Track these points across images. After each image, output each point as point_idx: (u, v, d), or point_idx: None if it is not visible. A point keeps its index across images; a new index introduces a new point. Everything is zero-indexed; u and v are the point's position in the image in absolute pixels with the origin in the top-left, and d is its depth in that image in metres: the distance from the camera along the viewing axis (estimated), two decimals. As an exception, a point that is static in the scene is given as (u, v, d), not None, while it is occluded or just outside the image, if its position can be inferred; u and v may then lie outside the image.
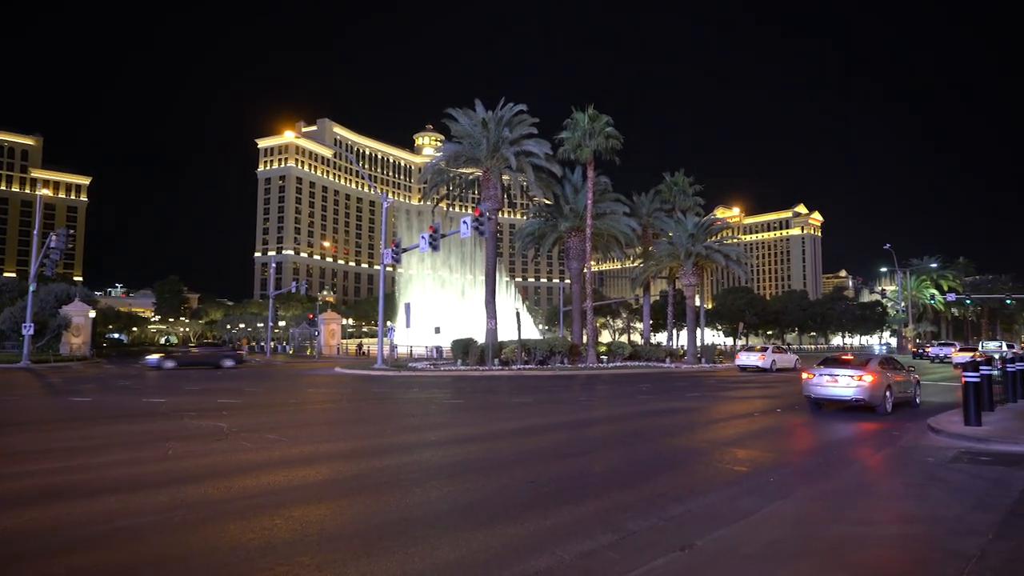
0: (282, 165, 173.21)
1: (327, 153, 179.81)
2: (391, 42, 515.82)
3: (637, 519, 6.05)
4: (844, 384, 14.77)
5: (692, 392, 21.70)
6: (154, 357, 34.71)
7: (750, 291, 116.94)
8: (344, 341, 71.36)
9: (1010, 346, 53.95)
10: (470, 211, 35.44)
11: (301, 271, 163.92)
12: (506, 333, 39.14)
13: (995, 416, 13.29)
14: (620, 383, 25.76)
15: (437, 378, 28.28)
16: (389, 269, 42.25)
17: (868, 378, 14.58)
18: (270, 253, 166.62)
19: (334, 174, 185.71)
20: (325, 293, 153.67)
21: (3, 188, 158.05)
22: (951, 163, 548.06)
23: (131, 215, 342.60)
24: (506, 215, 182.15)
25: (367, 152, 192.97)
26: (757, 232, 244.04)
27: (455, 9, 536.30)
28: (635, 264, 53.19)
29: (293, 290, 76.26)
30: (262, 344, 74.25)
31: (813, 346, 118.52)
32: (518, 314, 36.11)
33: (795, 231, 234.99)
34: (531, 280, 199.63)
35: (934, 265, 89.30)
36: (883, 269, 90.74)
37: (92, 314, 46.39)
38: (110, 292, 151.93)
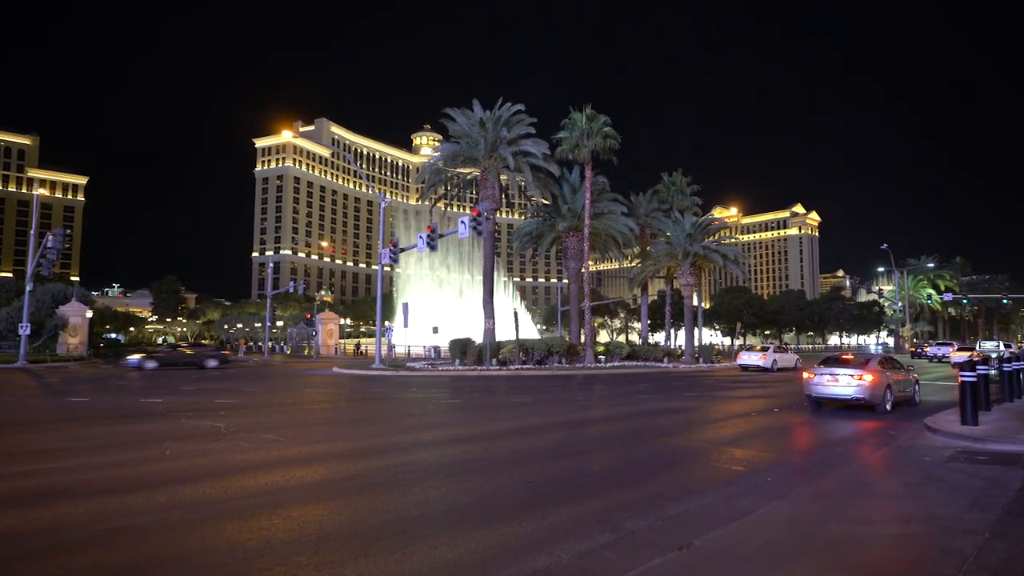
0: (280, 165, 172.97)
1: (325, 153, 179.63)
2: (391, 42, 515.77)
3: (635, 519, 6.06)
4: (845, 383, 14.90)
5: (690, 392, 21.72)
6: (135, 357, 34.13)
7: (748, 291, 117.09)
8: (342, 341, 71.29)
9: (1007, 345, 54.09)
10: (468, 211, 35.44)
11: (299, 271, 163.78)
12: (504, 333, 39.15)
13: (992, 415, 13.33)
14: (618, 383, 25.78)
15: (435, 378, 28.27)
16: (387, 269, 42.24)
17: (868, 377, 14.71)
18: (268, 253, 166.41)
19: (332, 174, 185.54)
20: (323, 293, 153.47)
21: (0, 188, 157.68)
22: (951, 163, 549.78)
23: (128, 215, 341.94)
24: (504, 215, 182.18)
25: (365, 152, 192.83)
26: (755, 232, 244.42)
27: (455, 9, 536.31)
28: (633, 264, 53.26)
29: (291, 290, 76.08)
30: (260, 344, 74.15)
31: (811, 346, 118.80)
32: (516, 314, 36.11)
33: (792, 231, 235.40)
34: (529, 280, 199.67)
35: (931, 265, 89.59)
36: (880, 269, 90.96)
37: (89, 314, 46.27)
38: (107, 292, 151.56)
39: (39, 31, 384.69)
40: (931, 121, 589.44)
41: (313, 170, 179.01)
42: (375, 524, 5.85)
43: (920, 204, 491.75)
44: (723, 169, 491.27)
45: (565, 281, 47.30)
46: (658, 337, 69.46)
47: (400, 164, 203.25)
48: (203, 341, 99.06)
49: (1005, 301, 74.78)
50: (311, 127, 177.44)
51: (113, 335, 79.99)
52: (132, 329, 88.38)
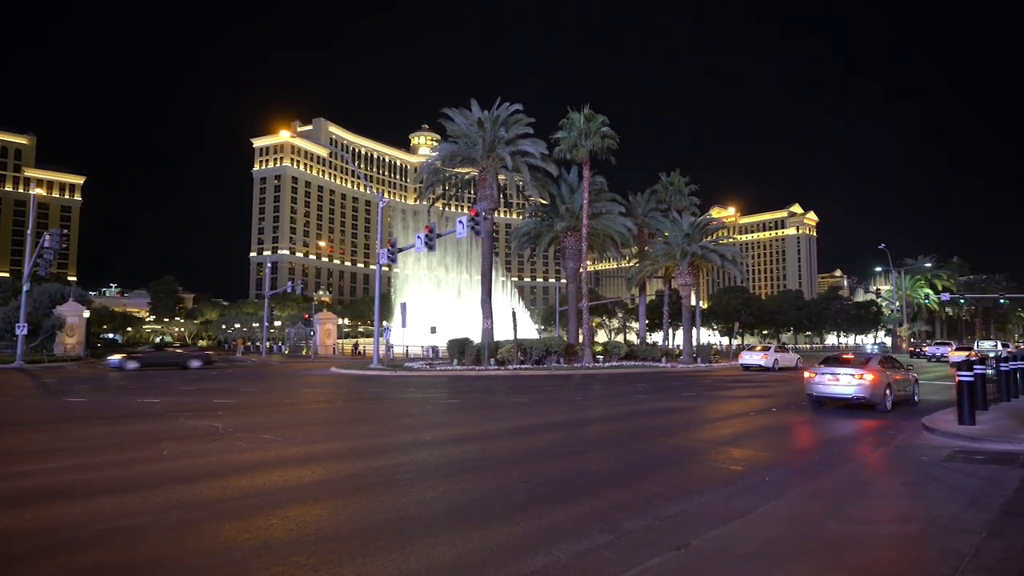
0: (278, 164, 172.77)
1: (323, 152, 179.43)
2: (391, 42, 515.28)
3: (633, 519, 6.06)
4: (845, 383, 15.04)
5: (688, 392, 21.74)
6: (115, 358, 33.59)
7: (746, 291, 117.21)
8: (340, 341, 71.23)
9: (1005, 345, 54.28)
10: (466, 211, 35.43)
11: (297, 271, 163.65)
12: (503, 333, 39.15)
13: (989, 415, 13.37)
14: (616, 383, 25.79)
15: (433, 378, 28.26)
16: (385, 269, 42.22)
17: (869, 377, 14.85)
18: (266, 253, 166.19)
19: (330, 173, 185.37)
20: (321, 293, 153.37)
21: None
22: (951, 163, 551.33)
23: (126, 215, 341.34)
24: (502, 215, 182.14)
25: (363, 152, 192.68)
26: (752, 232, 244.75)
27: (455, 9, 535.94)
28: (631, 264, 53.30)
29: (289, 290, 76.03)
30: (257, 344, 74.05)
31: (808, 345, 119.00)
32: (514, 313, 36.11)
33: (790, 231, 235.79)
34: (527, 280, 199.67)
35: (928, 265, 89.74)
36: (878, 269, 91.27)
37: (86, 314, 46.17)
38: (104, 292, 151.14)
39: (38, 31, 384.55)
40: (931, 121, 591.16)
41: (311, 170, 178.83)
42: (373, 524, 5.85)
43: (920, 204, 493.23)
44: (722, 169, 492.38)
45: (563, 281, 47.34)
46: (656, 337, 69.50)
47: (398, 164, 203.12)
48: (200, 341, 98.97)
49: (1002, 301, 74.98)
50: (309, 127, 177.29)
51: (110, 335, 79.81)
52: (130, 329, 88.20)
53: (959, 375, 12.04)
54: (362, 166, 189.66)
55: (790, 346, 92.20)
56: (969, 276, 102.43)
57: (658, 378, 29.33)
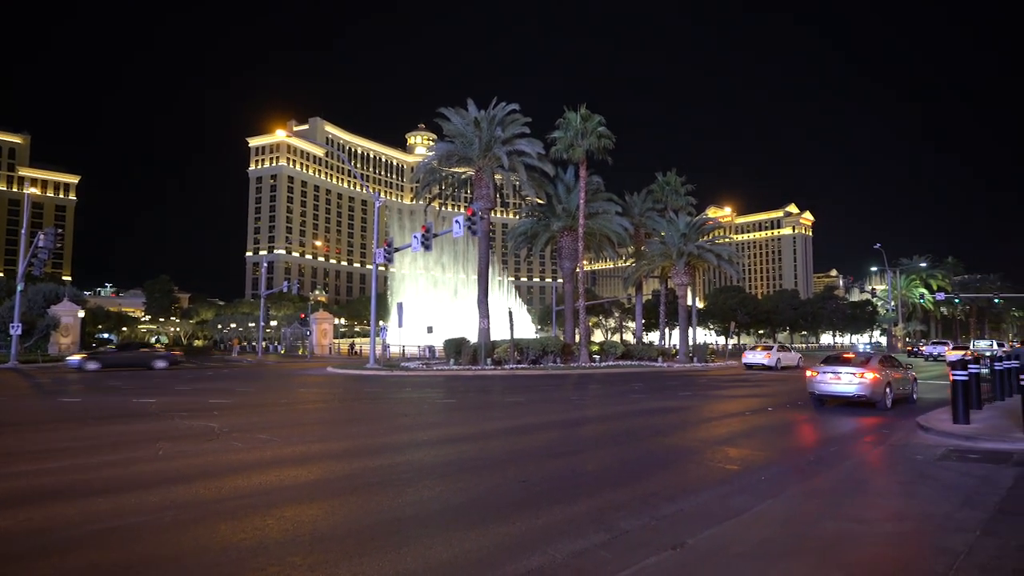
0: (274, 164, 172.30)
1: (319, 152, 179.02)
2: (390, 42, 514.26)
3: (629, 518, 6.07)
4: (847, 381, 15.33)
5: (684, 391, 21.78)
6: (75, 358, 32.16)
7: (742, 290, 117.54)
8: (336, 341, 71.14)
9: (1000, 344, 54.62)
10: (463, 210, 35.42)
11: (293, 271, 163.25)
12: (500, 332, 39.15)
13: (983, 414, 13.43)
14: (612, 382, 25.82)
15: (430, 378, 28.24)
16: (381, 268, 42.13)
17: (870, 375, 15.14)
18: (261, 252, 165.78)
19: (326, 173, 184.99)
20: (317, 293, 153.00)
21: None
22: (951, 163, 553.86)
23: (122, 214, 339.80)
24: (499, 214, 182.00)
25: (359, 151, 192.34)
26: (749, 232, 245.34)
27: (455, 9, 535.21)
28: (627, 263, 53.34)
29: (285, 290, 75.85)
30: (254, 344, 73.88)
31: (804, 345, 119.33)
32: (511, 313, 36.08)
33: (786, 231, 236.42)
34: (524, 280, 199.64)
35: (923, 265, 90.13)
36: (873, 268, 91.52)
37: (81, 314, 46.02)
38: (99, 292, 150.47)
39: (36, 31, 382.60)
40: (931, 121, 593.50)
41: (307, 169, 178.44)
42: (370, 524, 5.84)
43: (920, 204, 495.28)
44: (721, 169, 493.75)
45: (560, 281, 47.38)
46: (653, 336, 69.64)
47: (395, 163, 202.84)
48: (196, 341, 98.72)
49: (996, 300, 75.42)
50: (305, 126, 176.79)
51: (105, 335, 79.55)
52: (125, 329, 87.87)
53: (954, 374, 12.09)
54: (359, 166, 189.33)
55: (786, 345, 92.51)
56: (964, 276, 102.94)
57: (654, 378, 29.38)
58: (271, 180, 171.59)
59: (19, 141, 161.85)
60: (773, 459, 9.40)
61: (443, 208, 43.83)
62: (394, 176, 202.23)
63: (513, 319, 35.70)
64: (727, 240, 58.68)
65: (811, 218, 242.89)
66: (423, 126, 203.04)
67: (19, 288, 38.02)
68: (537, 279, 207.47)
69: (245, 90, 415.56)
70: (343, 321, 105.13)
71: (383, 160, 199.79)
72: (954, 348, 47.98)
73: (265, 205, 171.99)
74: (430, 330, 44.44)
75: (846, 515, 6.35)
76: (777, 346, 38.94)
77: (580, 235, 39.46)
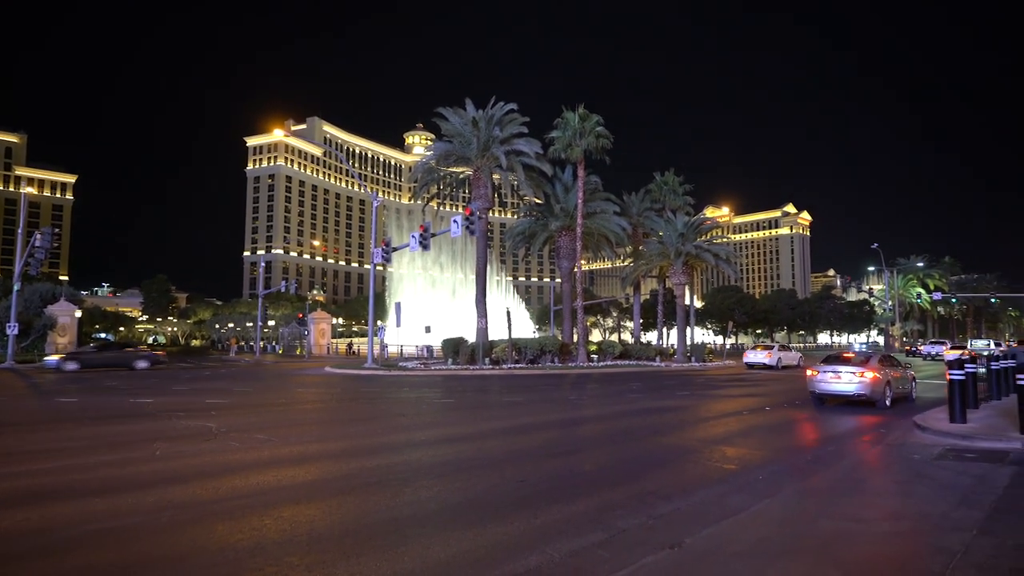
0: (271, 164, 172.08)
1: (317, 152, 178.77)
2: (390, 42, 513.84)
3: (627, 517, 6.08)
4: (847, 380, 15.50)
5: (682, 391, 21.80)
6: (53, 358, 31.62)
7: (739, 290, 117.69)
8: (334, 340, 71.05)
9: (997, 344, 54.80)
10: (460, 210, 35.39)
11: (291, 270, 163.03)
12: (498, 332, 39.15)
13: (980, 413, 13.47)
14: (610, 382, 25.83)
15: (427, 377, 28.23)
16: (379, 268, 42.11)
17: (869, 375, 15.31)
18: (259, 252, 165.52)
19: (324, 173, 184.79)
20: (315, 292, 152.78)
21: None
22: (950, 163, 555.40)
23: (119, 214, 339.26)
24: (497, 214, 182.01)
25: (357, 151, 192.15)
26: (746, 231, 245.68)
27: (455, 9, 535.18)
28: (625, 263, 53.35)
29: (283, 289, 75.76)
30: (251, 344, 73.76)
31: (802, 344, 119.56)
32: (508, 312, 36.08)
33: (784, 230, 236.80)
34: (522, 279, 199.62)
35: (920, 264, 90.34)
36: (871, 268, 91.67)
37: (78, 314, 45.89)
38: (96, 292, 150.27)
39: (33, 30, 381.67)
40: (931, 121, 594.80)
41: (305, 169, 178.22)
42: (367, 524, 5.84)
43: (920, 204, 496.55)
44: (720, 169, 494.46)
45: (558, 280, 47.41)
46: (650, 336, 69.63)
47: (393, 163, 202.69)
48: (194, 341, 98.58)
49: (993, 300, 75.60)
50: (303, 126, 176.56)
51: (103, 335, 79.40)
52: (122, 329, 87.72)
53: (950, 374, 12.13)
54: (357, 165, 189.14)
55: (789, 345, 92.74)
56: (961, 276, 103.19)
57: (652, 377, 29.40)
58: (269, 180, 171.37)
59: (16, 140, 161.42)
60: (770, 458, 9.41)
61: (441, 208, 43.74)
62: (392, 176, 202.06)
63: (511, 319, 35.70)
64: (725, 240, 58.83)
65: (808, 218, 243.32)
66: (421, 126, 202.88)
67: (16, 288, 37.91)
68: (535, 279, 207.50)
69: (244, 90, 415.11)
70: (341, 321, 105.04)
71: (381, 160, 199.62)
72: (952, 348, 48.19)
73: (263, 205, 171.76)
74: (428, 330, 44.41)
75: (843, 514, 6.36)
76: (778, 346, 39.35)
77: (578, 235, 39.47)
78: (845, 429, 12.72)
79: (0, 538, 5.36)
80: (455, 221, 30.98)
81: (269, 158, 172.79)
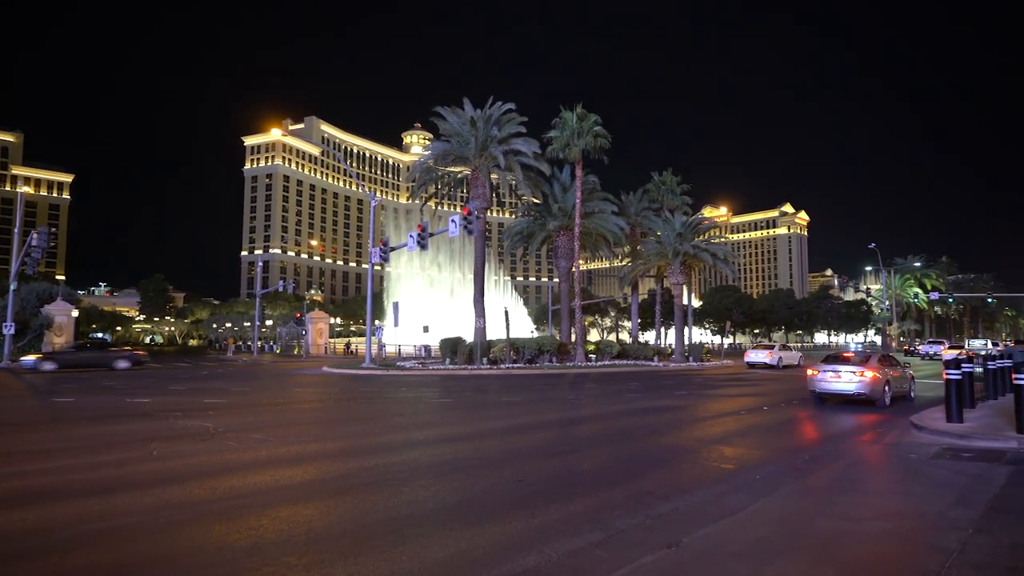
0: (269, 163, 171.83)
1: (314, 151, 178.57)
2: (390, 42, 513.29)
3: (624, 517, 6.08)
4: (847, 379, 15.67)
5: (680, 390, 21.82)
6: (30, 358, 30.76)
7: (737, 290, 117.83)
8: (332, 340, 70.97)
9: (995, 344, 54.97)
10: (459, 210, 35.36)
11: (288, 270, 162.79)
12: (496, 332, 39.15)
13: (977, 413, 13.50)
14: (608, 381, 25.85)
15: (425, 377, 28.22)
16: (377, 268, 42.07)
17: (869, 374, 15.50)
18: (257, 252, 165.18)
19: (322, 172, 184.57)
20: (313, 292, 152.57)
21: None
22: (950, 163, 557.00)
23: (117, 214, 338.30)
24: (495, 214, 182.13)
25: (355, 150, 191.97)
26: (744, 231, 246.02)
27: (455, 9, 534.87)
28: (623, 263, 53.37)
29: (280, 289, 75.66)
30: (249, 343, 73.65)
31: (799, 344, 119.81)
32: (506, 312, 36.08)
33: (782, 230, 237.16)
34: (520, 279, 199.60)
35: (918, 264, 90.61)
36: (868, 268, 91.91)
37: (75, 313, 45.80)
38: (93, 291, 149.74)
39: (34, 30, 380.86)
40: (931, 121, 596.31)
41: (303, 168, 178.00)
42: (365, 524, 5.83)
43: (920, 204, 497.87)
44: (720, 169, 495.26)
45: (556, 280, 47.45)
46: (648, 336, 69.66)
47: (391, 163, 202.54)
48: (191, 341, 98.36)
49: (990, 300, 75.80)
50: (300, 125, 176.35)
51: (100, 334, 79.19)
52: (119, 328, 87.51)
53: (947, 374, 12.16)
54: (354, 165, 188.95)
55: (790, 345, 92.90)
56: (958, 275, 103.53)
57: (650, 377, 29.43)
58: (266, 179, 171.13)
59: (12, 139, 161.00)
60: (768, 458, 9.43)
61: (439, 207, 43.71)
62: (390, 175, 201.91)
63: (509, 318, 35.70)
64: (723, 240, 58.90)
65: (806, 218, 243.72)
66: (419, 125, 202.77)
67: (12, 287, 37.80)
68: (533, 278, 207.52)
69: (244, 90, 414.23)
70: (339, 320, 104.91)
71: (379, 159, 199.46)
72: (950, 347, 48.42)
73: (260, 204, 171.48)
74: (426, 329, 44.40)
75: (840, 514, 6.37)
76: (779, 345, 39.70)
77: (576, 234, 39.48)
78: (843, 428, 12.74)
79: (-3, 538, 5.34)
80: (453, 221, 30.96)
81: (267, 157, 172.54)
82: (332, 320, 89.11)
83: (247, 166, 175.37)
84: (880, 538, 5.71)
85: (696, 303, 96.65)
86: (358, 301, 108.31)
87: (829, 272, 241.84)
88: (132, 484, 7.31)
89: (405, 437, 11.49)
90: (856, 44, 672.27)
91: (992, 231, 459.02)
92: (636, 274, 49.50)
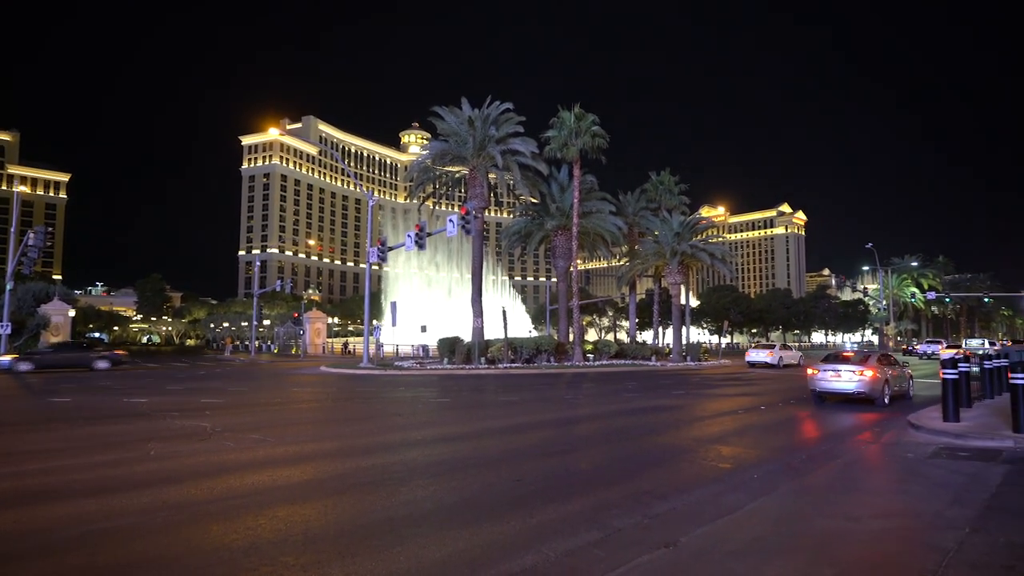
0: (267, 163, 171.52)
1: (312, 151, 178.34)
2: (390, 42, 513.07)
3: (622, 517, 6.08)
4: (847, 379, 15.81)
5: (677, 390, 21.85)
6: (6, 359, 30.14)
7: (735, 289, 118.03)
8: (330, 340, 70.92)
9: (992, 343, 55.20)
10: (456, 209, 35.35)
11: (286, 269, 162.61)
12: (494, 331, 39.14)
13: (973, 412, 13.54)
14: (606, 381, 25.86)
15: (423, 377, 28.20)
16: (375, 267, 42.06)
17: (869, 373, 15.64)
18: (254, 251, 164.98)
19: (319, 172, 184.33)
20: (310, 292, 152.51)
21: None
22: (950, 163, 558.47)
23: (114, 213, 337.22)
24: (493, 213, 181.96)
25: (353, 150, 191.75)
26: (742, 231, 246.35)
27: (455, 9, 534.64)
28: (621, 263, 53.44)
29: (278, 289, 75.45)
30: (246, 343, 73.54)
31: (797, 343, 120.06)
32: (504, 312, 36.08)
33: (779, 230, 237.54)
34: (518, 278, 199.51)
35: (915, 264, 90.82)
36: (865, 268, 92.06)
37: (71, 313, 45.68)
38: (90, 291, 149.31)
39: (34, 31, 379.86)
40: (930, 121, 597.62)
41: (300, 168, 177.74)
42: (363, 524, 5.83)
43: (920, 204, 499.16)
44: (720, 169, 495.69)
45: (554, 280, 47.43)
46: (646, 335, 69.76)
47: (389, 162, 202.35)
48: (188, 340, 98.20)
49: (987, 300, 75.96)
50: (298, 125, 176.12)
51: (96, 334, 79.03)
52: (116, 328, 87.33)
53: (944, 373, 12.20)
54: (352, 164, 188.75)
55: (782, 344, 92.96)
56: (954, 275, 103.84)
57: (648, 376, 29.45)
58: (264, 178, 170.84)
59: (8, 139, 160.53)
60: (765, 457, 9.44)
61: (437, 207, 43.70)
62: (388, 175, 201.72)
63: (507, 318, 35.71)
64: (720, 239, 59.01)
65: (804, 217, 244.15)
66: (417, 125, 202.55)
67: (8, 287, 37.68)
68: (531, 278, 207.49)
69: (243, 90, 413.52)
70: (337, 320, 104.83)
71: (377, 159, 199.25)
72: (948, 347, 48.74)
73: (258, 204, 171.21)
74: (424, 329, 44.38)
75: (838, 513, 6.38)
76: (780, 345, 39.99)
77: (574, 234, 39.50)
78: (841, 427, 12.77)
79: (-7, 539, 5.32)
80: (451, 220, 30.95)
81: (264, 157, 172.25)
82: (330, 320, 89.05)
83: (245, 166, 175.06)
84: (877, 537, 5.72)
85: (694, 303, 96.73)
86: (356, 301, 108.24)
87: (826, 272, 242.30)
88: (129, 484, 7.29)
89: (403, 437, 11.48)
90: (856, 44, 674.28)
91: (992, 231, 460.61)
92: (634, 274, 49.55)
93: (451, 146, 37.21)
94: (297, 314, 67.55)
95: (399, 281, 73.32)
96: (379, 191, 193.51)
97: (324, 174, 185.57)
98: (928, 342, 59.74)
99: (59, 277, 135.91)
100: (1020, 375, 10.28)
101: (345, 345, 69.10)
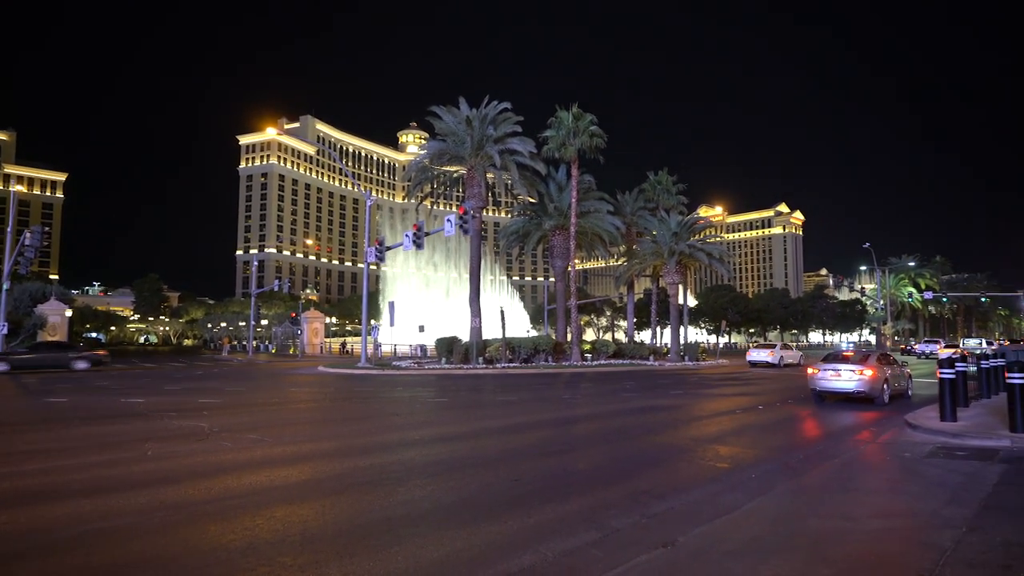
0: (264, 162, 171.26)
1: (310, 150, 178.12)
2: (389, 42, 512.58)
3: (620, 516, 6.09)
4: (847, 378, 15.92)
5: (675, 390, 21.86)
6: None
7: (733, 289, 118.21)
8: (327, 340, 70.85)
9: (989, 343, 55.44)
10: (454, 209, 35.35)
11: (284, 269, 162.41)
12: (493, 331, 39.15)
13: (971, 411, 13.58)
14: (604, 381, 25.87)
15: (421, 376, 28.19)
16: (373, 267, 42.03)
17: (868, 372, 15.75)
18: (252, 251, 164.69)
19: (317, 171, 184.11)
20: (308, 291, 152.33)
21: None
22: (950, 163, 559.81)
23: (112, 213, 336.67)
24: (491, 213, 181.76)
25: (351, 150, 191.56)
26: (740, 231, 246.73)
27: (455, 9, 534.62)
28: (619, 262, 53.48)
29: (275, 288, 75.42)
30: (244, 343, 73.44)
31: (795, 343, 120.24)
32: (502, 311, 36.08)
33: (777, 230, 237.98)
34: (516, 278, 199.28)
35: (912, 264, 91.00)
36: (863, 267, 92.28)
37: (68, 313, 45.58)
38: (87, 291, 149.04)
39: (34, 30, 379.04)
40: (931, 121, 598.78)
41: (298, 167, 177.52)
42: (361, 524, 5.82)
43: (920, 204, 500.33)
44: (719, 169, 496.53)
45: (552, 279, 47.43)
46: (644, 335, 69.73)
47: (387, 162, 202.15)
48: (186, 340, 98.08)
49: (983, 299, 76.17)
50: (296, 124, 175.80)
51: (94, 334, 78.87)
52: (113, 328, 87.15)
53: (941, 373, 12.23)
54: (350, 164, 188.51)
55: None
56: (951, 275, 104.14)
57: (646, 376, 29.47)
58: (262, 178, 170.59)
59: (4, 138, 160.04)
60: (763, 457, 9.45)
61: (435, 207, 43.69)
62: (386, 175, 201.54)
63: (505, 318, 35.70)
64: (718, 239, 59.10)
65: (801, 217, 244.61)
66: (415, 124, 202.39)
67: (5, 287, 37.55)
68: (529, 277, 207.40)
69: (243, 89, 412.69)
70: (334, 320, 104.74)
71: (375, 158, 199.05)
72: (946, 346, 49.15)
73: (256, 203, 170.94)
74: (422, 329, 44.35)
75: (835, 512, 6.39)
76: (781, 344, 40.23)
77: (572, 234, 39.51)
78: (840, 426, 12.79)
79: (-11, 539, 5.30)
80: (449, 220, 30.93)
81: (262, 156, 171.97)
82: (328, 320, 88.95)
83: (242, 165, 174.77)
84: (874, 536, 5.73)
85: (692, 302, 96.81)
86: (354, 301, 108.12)
87: (824, 271, 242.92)
88: (127, 484, 7.27)
89: (400, 437, 11.47)
90: (856, 44, 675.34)
91: (992, 231, 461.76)
92: (632, 273, 49.58)
93: (449, 146, 37.19)
94: (295, 314, 67.48)
95: (397, 281, 73.32)
96: (377, 191, 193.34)
97: (322, 174, 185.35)
98: (926, 342, 60.08)
99: (56, 277, 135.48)
100: (1017, 375, 10.31)
101: (343, 345, 69.08)
